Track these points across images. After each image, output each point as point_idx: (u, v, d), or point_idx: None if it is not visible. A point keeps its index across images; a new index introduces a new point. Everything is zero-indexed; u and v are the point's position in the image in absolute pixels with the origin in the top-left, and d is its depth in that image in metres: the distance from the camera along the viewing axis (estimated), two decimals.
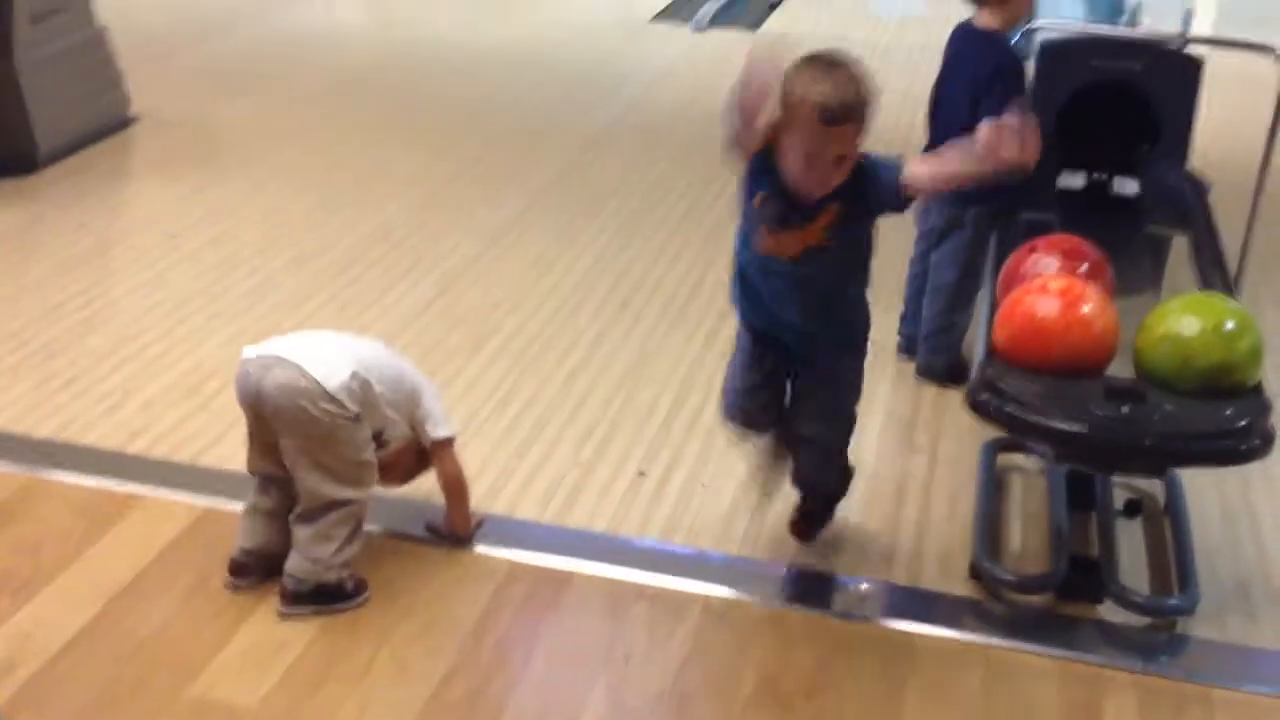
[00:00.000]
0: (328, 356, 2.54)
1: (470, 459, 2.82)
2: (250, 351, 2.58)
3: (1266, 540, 2.94)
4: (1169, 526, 2.89)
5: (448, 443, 2.72)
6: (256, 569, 2.60)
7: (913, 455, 3.21)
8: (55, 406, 3.23)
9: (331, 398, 2.48)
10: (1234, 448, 2.48)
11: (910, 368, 3.56)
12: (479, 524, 2.80)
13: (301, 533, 2.53)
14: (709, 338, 3.71)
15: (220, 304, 3.79)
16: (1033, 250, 2.88)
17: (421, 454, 2.75)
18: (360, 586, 2.59)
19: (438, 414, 2.71)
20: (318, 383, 2.48)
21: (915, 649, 2.55)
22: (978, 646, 2.56)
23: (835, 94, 2.24)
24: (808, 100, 2.25)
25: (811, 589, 2.73)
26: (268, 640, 2.47)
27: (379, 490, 2.67)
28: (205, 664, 2.40)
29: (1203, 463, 2.62)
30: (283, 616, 2.53)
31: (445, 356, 3.53)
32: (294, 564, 2.53)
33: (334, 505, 2.53)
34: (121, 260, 4.15)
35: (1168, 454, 2.55)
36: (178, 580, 2.60)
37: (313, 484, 2.52)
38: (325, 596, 2.54)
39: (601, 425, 3.27)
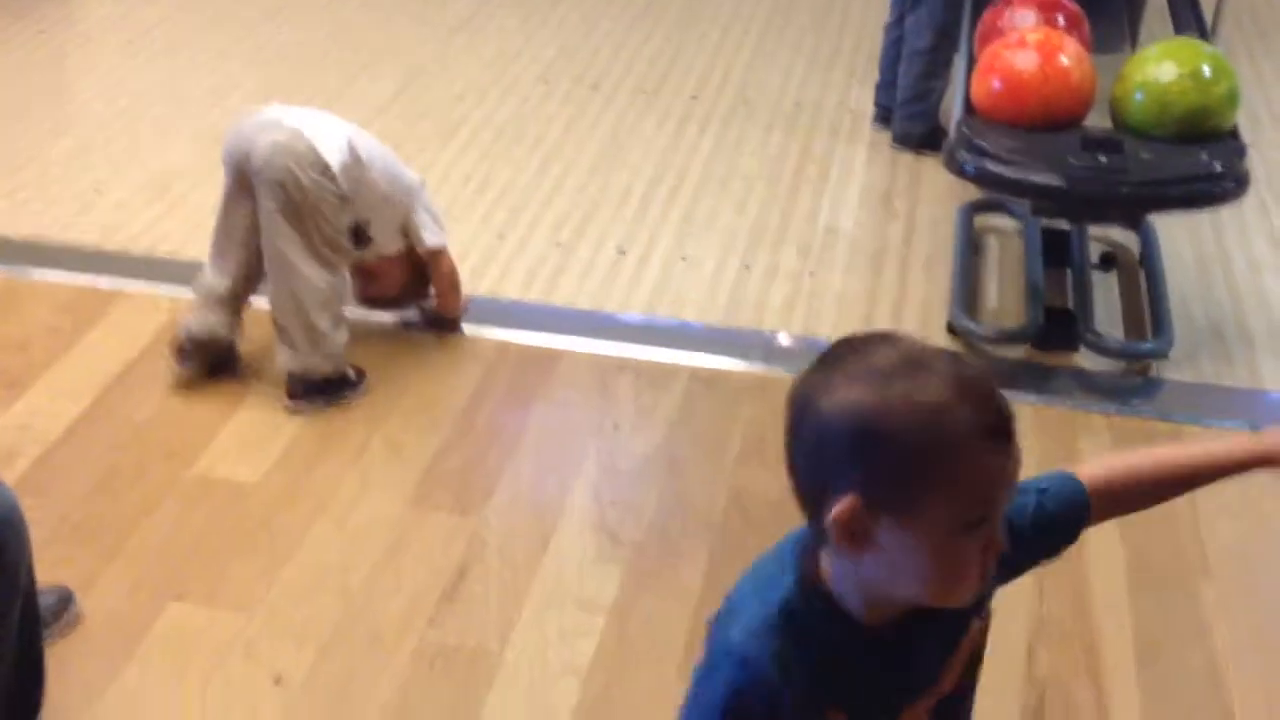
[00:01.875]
0: (329, 131, 2.48)
1: (450, 245, 2.79)
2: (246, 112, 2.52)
3: (1239, 282, 2.99)
4: (1144, 276, 2.93)
5: (443, 249, 2.70)
6: (201, 354, 2.56)
7: (890, 222, 3.22)
8: (30, 209, 3.20)
9: (326, 168, 2.42)
10: (1209, 190, 2.51)
11: (885, 137, 3.55)
12: (465, 305, 2.82)
13: (289, 330, 2.50)
14: (682, 120, 3.68)
15: (182, 105, 3.72)
16: (1009, 4, 2.84)
17: (416, 270, 2.71)
18: (360, 374, 2.60)
19: (432, 223, 2.66)
20: (315, 150, 2.41)
21: None
22: None
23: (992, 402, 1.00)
24: (959, 430, 0.97)
25: (793, 351, 2.77)
26: (263, 423, 2.51)
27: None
28: (203, 447, 2.44)
29: (1179, 207, 2.65)
30: (292, 411, 2.52)
31: (415, 148, 3.48)
32: (290, 360, 2.51)
33: (301, 291, 2.46)
34: (81, 66, 4.05)
35: (1145, 200, 2.58)
36: (167, 370, 2.61)
37: (281, 246, 2.44)
38: (329, 387, 2.54)
39: (579, 208, 3.27)
